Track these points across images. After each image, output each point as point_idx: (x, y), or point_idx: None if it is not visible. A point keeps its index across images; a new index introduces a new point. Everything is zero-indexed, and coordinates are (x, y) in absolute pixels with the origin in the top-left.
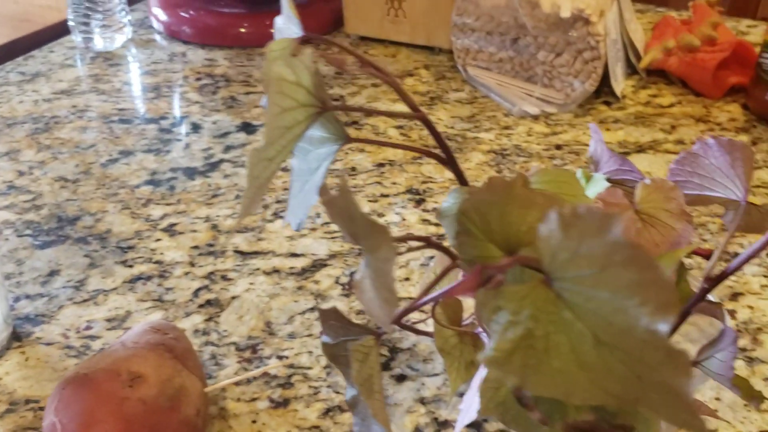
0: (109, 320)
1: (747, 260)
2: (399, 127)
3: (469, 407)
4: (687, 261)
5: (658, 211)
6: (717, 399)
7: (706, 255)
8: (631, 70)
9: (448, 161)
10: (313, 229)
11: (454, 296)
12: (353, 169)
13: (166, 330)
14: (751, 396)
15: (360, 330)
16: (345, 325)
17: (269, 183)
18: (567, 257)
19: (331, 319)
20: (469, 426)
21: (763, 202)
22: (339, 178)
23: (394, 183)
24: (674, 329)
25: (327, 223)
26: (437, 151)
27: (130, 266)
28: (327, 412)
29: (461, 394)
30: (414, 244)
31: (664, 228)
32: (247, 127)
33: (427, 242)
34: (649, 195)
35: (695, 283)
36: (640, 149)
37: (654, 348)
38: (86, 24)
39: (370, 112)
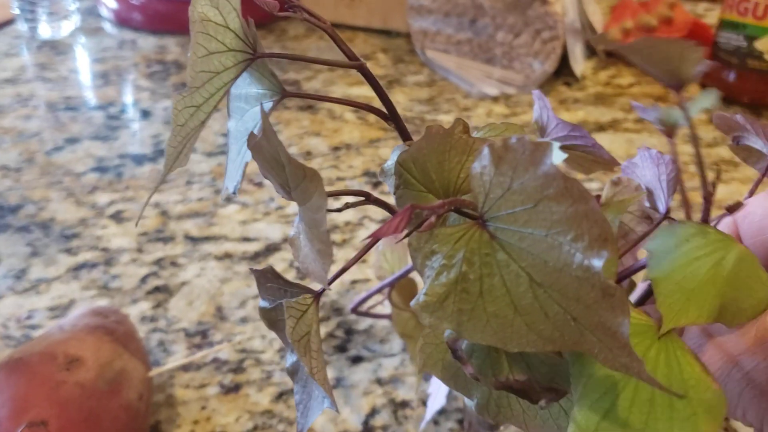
0: (51, 309)
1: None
2: (355, 111)
3: (438, 391)
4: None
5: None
6: None
7: None
8: (591, 51)
9: (390, 116)
10: (267, 214)
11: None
12: (308, 153)
13: (106, 313)
14: None
15: (299, 290)
16: (283, 286)
17: (198, 132)
18: (500, 194)
19: (268, 281)
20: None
21: (722, 180)
22: (263, 119)
23: (351, 166)
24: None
25: (281, 207)
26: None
27: (75, 254)
28: (280, 396)
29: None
30: (352, 199)
31: (622, 228)
32: None
33: (366, 197)
34: (614, 195)
35: None
36: (601, 128)
37: (590, 286)
38: (32, 12)
39: (304, 60)
